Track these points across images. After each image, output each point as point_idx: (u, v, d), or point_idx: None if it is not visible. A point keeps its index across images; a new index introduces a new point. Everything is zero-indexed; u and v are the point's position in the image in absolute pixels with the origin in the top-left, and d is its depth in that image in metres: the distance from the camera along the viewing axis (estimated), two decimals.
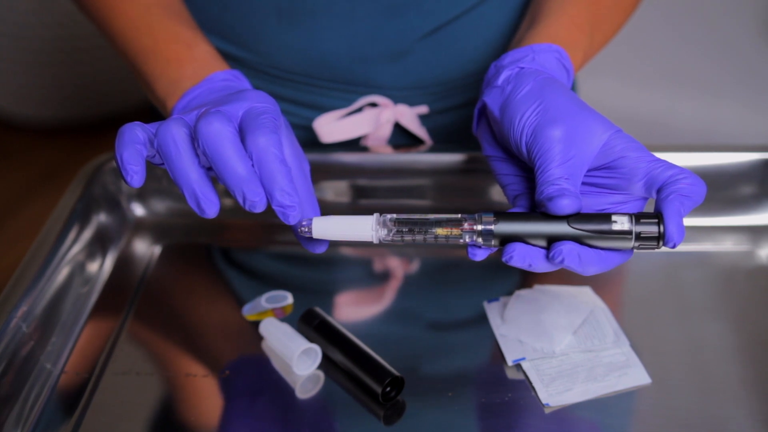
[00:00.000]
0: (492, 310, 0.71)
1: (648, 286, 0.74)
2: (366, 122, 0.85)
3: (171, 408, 0.64)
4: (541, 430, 0.61)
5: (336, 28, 0.79)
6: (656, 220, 0.54)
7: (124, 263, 0.78)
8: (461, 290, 0.74)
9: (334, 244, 0.79)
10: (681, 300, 0.72)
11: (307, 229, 0.57)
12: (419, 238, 0.57)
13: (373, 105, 0.85)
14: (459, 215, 0.56)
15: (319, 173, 0.80)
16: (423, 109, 0.86)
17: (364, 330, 0.69)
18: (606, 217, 0.54)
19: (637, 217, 0.54)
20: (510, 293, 0.71)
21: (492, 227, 0.55)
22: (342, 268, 0.79)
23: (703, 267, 0.75)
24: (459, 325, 0.71)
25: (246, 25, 0.81)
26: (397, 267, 0.77)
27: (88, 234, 0.76)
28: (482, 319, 0.70)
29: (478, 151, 0.80)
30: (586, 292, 0.71)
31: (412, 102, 0.86)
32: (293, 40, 0.81)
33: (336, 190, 0.82)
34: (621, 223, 0.54)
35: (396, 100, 0.85)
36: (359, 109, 0.85)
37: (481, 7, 0.80)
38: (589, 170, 0.57)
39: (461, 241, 0.56)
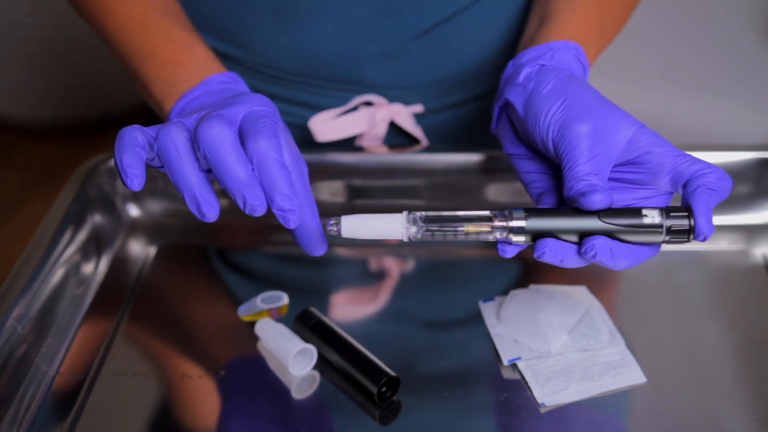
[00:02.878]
0: (487, 309, 0.71)
1: (643, 285, 0.74)
2: (361, 121, 0.85)
3: (167, 409, 0.64)
4: (536, 430, 0.61)
5: (331, 27, 0.79)
6: (686, 214, 0.54)
7: (120, 264, 0.78)
8: (456, 290, 0.74)
9: (329, 244, 0.79)
10: (676, 299, 0.72)
11: (335, 229, 0.56)
12: (449, 235, 0.56)
13: (368, 104, 0.85)
14: (488, 212, 0.56)
15: (315, 173, 0.80)
16: (418, 108, 0.86)
17: (359, 330, 0.69)
18: (636, 212, 0.55)
19: (667, 211, 0.55)
20: (505, 293, 0.71)
21: (523, 223, 0.55)
22: (337, 268, 0.78)
23: (699, 266, 0.75)
24: (454, 325, 0.71)
25: (241, 24, 0.81)
26: (393, 266, 0.77)
27: (83, 235, 0.76)
28: (478, 319, 0.70)
29: (474, 151, 0.81)
30: (581, 292, 0.71)
31: (407, 101, 0.86)
32: (288, 40, 0.81)
33: (332, 190, 0.82)
34: (652, 217, 0.54)
35: (391, 99, 0.85)
36: (354, 108, 0.85)
37: (476, 7, 0.80)
38: (614, 166, 0.58)
39: (491, 237, 0.56)
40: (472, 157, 0.80)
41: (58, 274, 0.72)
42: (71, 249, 0.74)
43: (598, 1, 0.72)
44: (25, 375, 0.65)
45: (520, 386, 0.64)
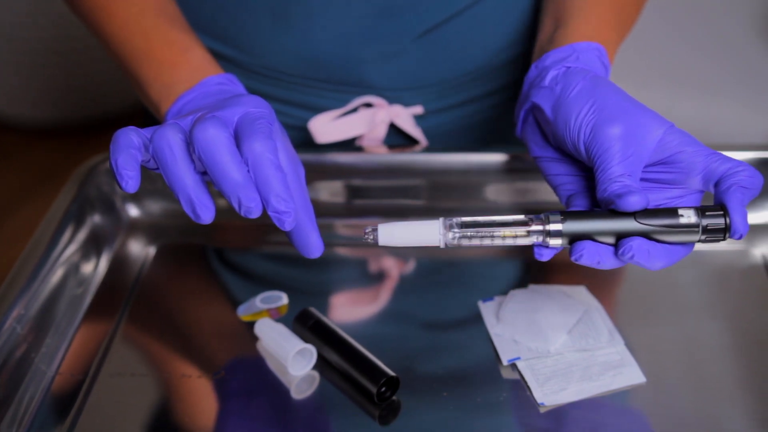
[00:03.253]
0: (487, 309, 0.71)
1: (642, 285, 0.74)
2: (361, 122, 0.85)
3: (166, 409, 0.64)
4: (536, 430, 0.61)
5: (330, 28, 0.79)
6: (721, 213, 0.54)
7: (119, 264, 0.78)
8: (456, 290, 0.74)
9: (327, 244, 0.79)
10: (675, 299, 0.72)
11: (372, 237, 0.57)
12: (486, 240, 0.57)
13: (368, 105, 0.85)
14: (524, 216, 0.56)
15: (314, 173, 0.80)
16: (418, 109, 0.86)
17: (359, 330, 0.69)
18: (672, 212, 0.55)
19: (703, 210, 0.55)
20: (505, 293, 0.71)
21: (560, 227, 0.55)
22: (337, 269, 0.78)
23: (698, 266, 0.75)
24: (454, 325, 0.71)
25: (240, 25, 0.81)
26: (392, 267, 0.77)
27: (82, 235, 0.76)
28: (477, 319, 0.70)
29: (473, 151, 0.81)
30: (580, 292, 0.71)
31: (407, 102, 0.86)
32: (288, 41, 0.80)
33: (331, 190, 0.82)
34: (688, 217, 0.55)
35: (391, 100, 0.85)
36: (354, 110, 0.85)
37: (476, 8, 0.80)
38: (645, 166, 0.58)
39: (527, 241, 0.56)
40: (471, 157, 0.80)
41: (57, 275, 0.72)
42: (71, 249, 0.74)
43: (612, 2, 0.72)
44: (25, 375, 0.65)
45: (519, 386, 0.64)
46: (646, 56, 1.57)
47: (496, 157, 0.80)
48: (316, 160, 0.80)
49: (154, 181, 0.82)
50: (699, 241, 0.55)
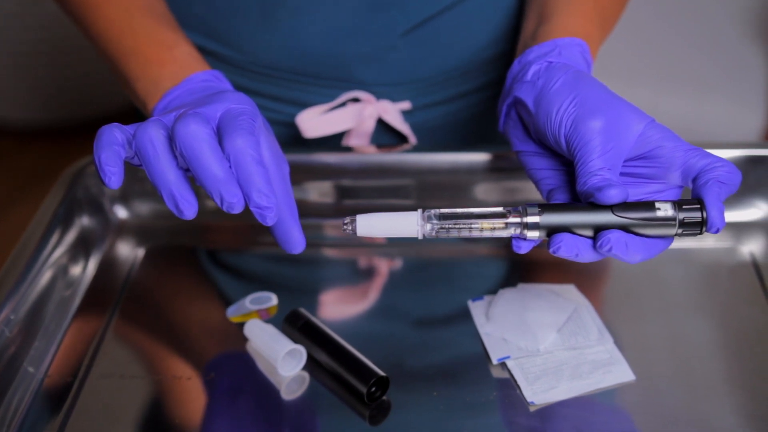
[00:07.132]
0: (476, 308, 0.71)
1: (631, 283, 0.74)
2: (349, 117, 0.85)
3: (156, 411, 0.64)
4: (526, 428, 0.61)
5: (319, 24, 0.79)
6: (698, 206, 0.55)
7: (108, 266, 0.78)
8: (445, 289, 0.74)
9: (316, 244, 0.79)
10: (664, 297, 0.72)
11: (350, 228, 0.57)
12: (464, 232, 0.57)
13: (356, 100, 0.85)
14: (502, 208, 0.57)
15: (303, 173, 0.80)
16: (406, 105, 0.86)
17: (349, 329, 0.69)
18: (649, 205, 0.55)
19: (680, 204, 0.55)
20: (494, 292, 0.72)
21: (538, 219, 0.56)
22: (326, 268, 0.78)
23: (686, 263, 0.75)
24: (443, 324, 0.71)
25: (228, 22, 0.81)
26: (382, 266, 0.77)
27: (71, 237, 0.76)
28: (467, 318, 0.70)
29: (462, 151, 0.81)
30: (569, 290, 0.71)
31: (394, 98, 0.86)
32: (276, 38, 0.81)
33: (320, 190, 0.82)
34: (665, 210, 0.55)
35: (379, 96, 0.85)
36: (342, 105, 0.85)
37: (463, 4, 0.81)
38: (625, 160, 0.58)
39: (505, 233, 0.57)
40: (460, 157, 0.80)
41: (45, 277, 0.71)
42: (59, 251, 0.74)
43: None
44: (14, 378, 0.65)
45: (509, 385, 0.64)
46: (633, 52, 1.58)
47: (484, 157, 0.80)
48: (304, 161, 0.80)
49: (143, 182, 0.81)
50: (676, 234, 0.55)
